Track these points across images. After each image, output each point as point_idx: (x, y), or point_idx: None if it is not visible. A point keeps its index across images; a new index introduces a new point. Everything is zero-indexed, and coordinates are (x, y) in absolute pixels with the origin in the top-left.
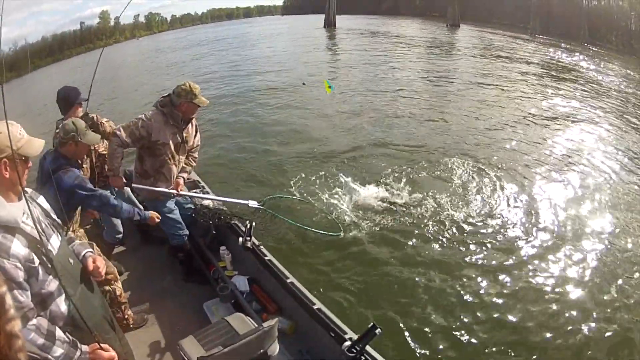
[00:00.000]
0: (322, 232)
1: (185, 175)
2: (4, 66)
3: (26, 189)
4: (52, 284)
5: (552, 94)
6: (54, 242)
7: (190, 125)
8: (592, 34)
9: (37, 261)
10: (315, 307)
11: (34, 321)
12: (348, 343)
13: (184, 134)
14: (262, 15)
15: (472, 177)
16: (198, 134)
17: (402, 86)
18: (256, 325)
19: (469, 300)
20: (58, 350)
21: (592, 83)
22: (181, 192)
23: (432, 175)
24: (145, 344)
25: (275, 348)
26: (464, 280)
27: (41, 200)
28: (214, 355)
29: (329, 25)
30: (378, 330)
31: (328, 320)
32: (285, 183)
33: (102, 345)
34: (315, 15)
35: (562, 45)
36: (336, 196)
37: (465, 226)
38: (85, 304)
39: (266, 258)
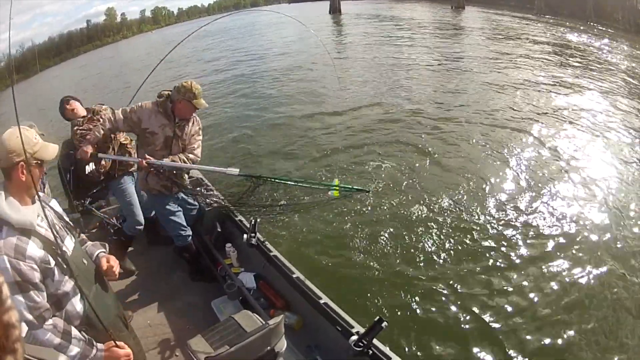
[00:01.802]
0: (320, 187)
1: (168, 159)
2: (14, 72)
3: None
4: (68, 285)
5: (560, 73)
6: (68, 244)
7: (188, 124)
8: (597, 12)
9: (52, 262)
10: (321, 301)
11: (50, 321)
12: (355, 337)
13: (177, 130)
14: (269, 4)
15: (488, 162)
16: (198, 137)
17: (409, 72)
18: (263, 322)
19: (477, 292)
20: (74, 349)
21: (600, 62)
22: (150, 161)
23: (442, 160)
24: (155, 344)
25: (282, 344)
26: (472, 270)
27: (54, 203)
28: (220, 355)
29: (334, 11)
30: (384, 324)
31: (335, 314)
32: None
33: (117, 342)
34: (321, 2)
35: (568, 24)
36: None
37: (476, 215)
38: (100, 303)
39: (271, 254)
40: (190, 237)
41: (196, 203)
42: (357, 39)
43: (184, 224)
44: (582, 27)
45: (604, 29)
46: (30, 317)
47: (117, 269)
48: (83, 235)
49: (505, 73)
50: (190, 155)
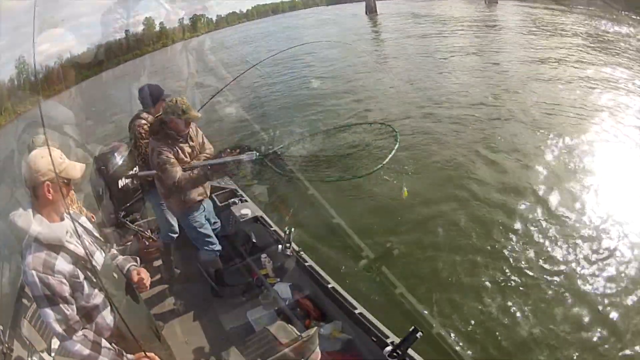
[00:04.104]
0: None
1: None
2: (40, 91)
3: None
4: (98, 298)
5: (602, 64)
6: (98, 258)
7: (191, 134)
8: (629, 1)
9: (82, 276)
10: (357, 311)
11: (80, 333)
12: (390, 347)
13: (191, 143)
14: (307, 7)
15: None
16: (204, 138)
17: (448, 70)
18: (298, 334)
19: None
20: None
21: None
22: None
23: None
24: (190, 354)
25: (317, 356)
26: (523, 278)
27: (83, 220)
28: None
29: (371, 11)
30: (419, 334)
31: (369, 324)
32: None
33: (147, 353)
34: (357, 4)
35: (601, 14)
36: None
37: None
38: (131, 315)
39: (307, 264)
40: (218, 252)
41: (218, 220)
42: (395, 38)
43: (212, 235)
44: (616, 17)
45: (636, 17)
46: (59, 329)
47: (147, 281)
48: (114, 250)
49: (546, 67)
50: (207, 151)
